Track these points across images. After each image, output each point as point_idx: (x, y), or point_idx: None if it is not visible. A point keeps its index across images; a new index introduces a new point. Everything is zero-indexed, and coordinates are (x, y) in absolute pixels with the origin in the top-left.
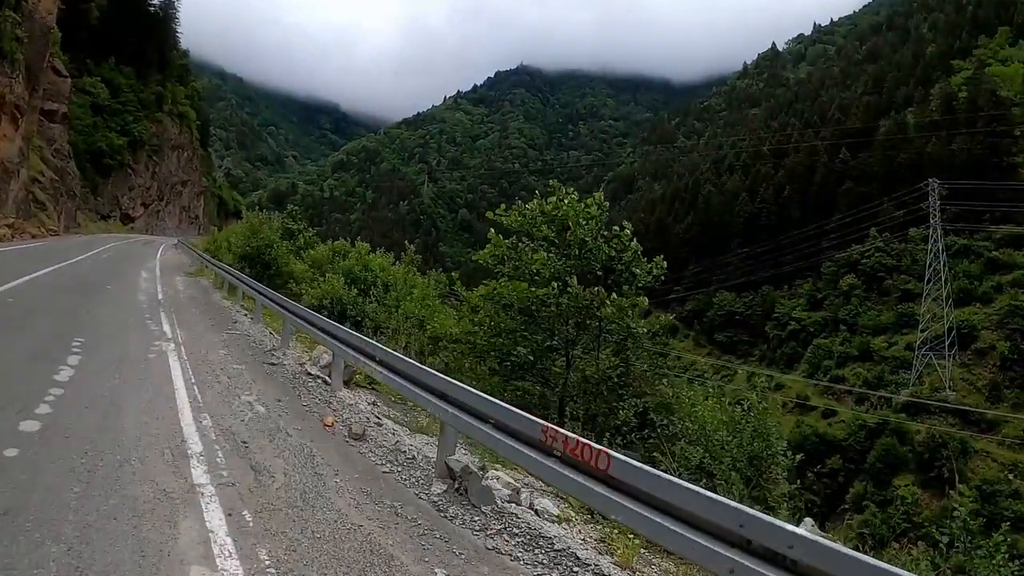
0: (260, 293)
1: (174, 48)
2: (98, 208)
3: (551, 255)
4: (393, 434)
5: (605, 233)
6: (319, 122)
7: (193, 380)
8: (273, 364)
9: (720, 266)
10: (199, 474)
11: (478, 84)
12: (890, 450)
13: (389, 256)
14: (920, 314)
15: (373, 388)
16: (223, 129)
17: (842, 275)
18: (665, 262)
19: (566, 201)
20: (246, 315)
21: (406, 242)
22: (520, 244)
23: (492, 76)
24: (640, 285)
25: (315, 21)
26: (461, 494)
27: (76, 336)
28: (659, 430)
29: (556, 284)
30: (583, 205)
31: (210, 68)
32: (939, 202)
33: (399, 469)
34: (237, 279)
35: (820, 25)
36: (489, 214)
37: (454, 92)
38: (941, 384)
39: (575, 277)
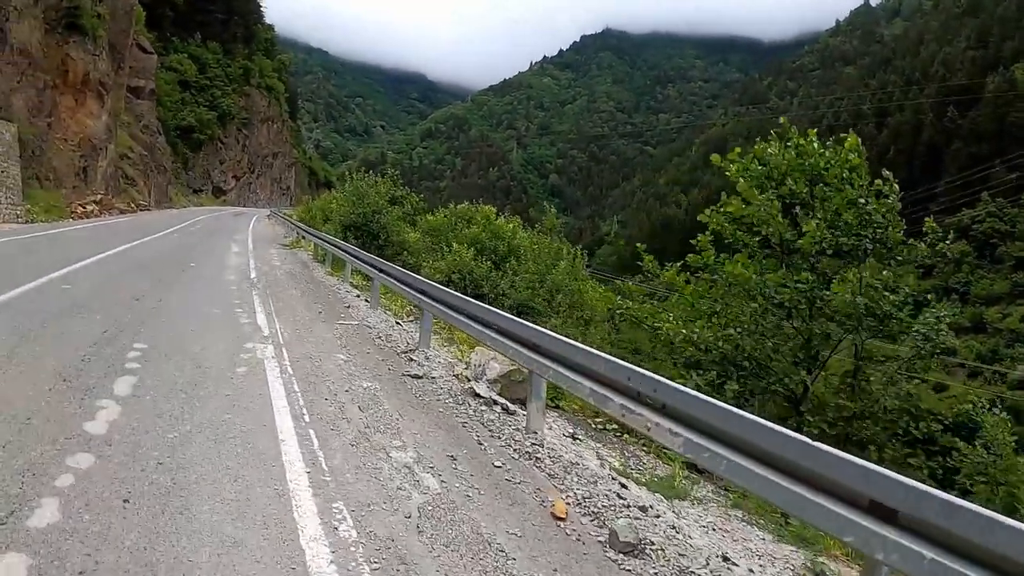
0: (380, 271)
1: (258, 22)
2: (190, 182)
3: (820, 223)
4: (677, 531)
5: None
6: (406, 92)
7: (306, 418)
8: (417, 378)
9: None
10: None
11: (564, 49)
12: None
13: (516, 220)
14: None
15: (557, 407)
16: (311, 102)
17: (953, 241)
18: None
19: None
20: (359, 296)
21: (545, 204)
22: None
23: (577, 40)
24: (919, 261)
25: None
26: None
27: (136, 340)
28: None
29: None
30: (835, 151)
31: (296, 44)
32: None
33: None
34: (346, 252)
35: None
36: (715, 158)
37: (540, 58)
38: None
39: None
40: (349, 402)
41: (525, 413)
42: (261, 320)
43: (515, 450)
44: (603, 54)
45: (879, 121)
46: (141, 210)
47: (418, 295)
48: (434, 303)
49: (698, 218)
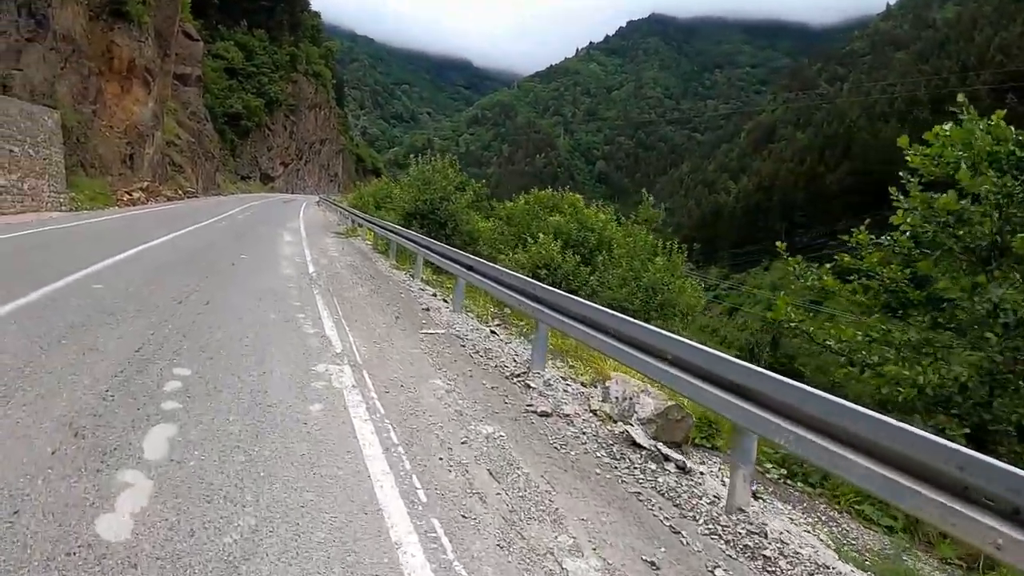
0: (469, 268)
1: (304, 9)
2: (237, 169)
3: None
4: None
5: None
6: (452, 78)
7: (422, 497)
8: (545, 415)
9: (878, 221)
10: None
11: (610, 35)
12: None
13: (608, 210)
14: None
15: (714, 447)
16: (357, 89)
17: None
18: None
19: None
20: (435, 295)
21: (643, 191)
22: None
23: (624, 26)
24: None
25: None
26: None
27: (176, 361)
28: None
29: None
30: None
31: (341, 32)
32: None
33: None
34: (418, 244)
35: None
36: (903, 140)
37: (586, 44)
38: None
39: None
40: (473, 463)
41: (704, 472)
42: (329, 329)
43: (728, 542)
44: (650, 40)
45: (935, 108)
46: (188, 197)
47: (533, 304)
48: (555, 315)
49: (896, 213)
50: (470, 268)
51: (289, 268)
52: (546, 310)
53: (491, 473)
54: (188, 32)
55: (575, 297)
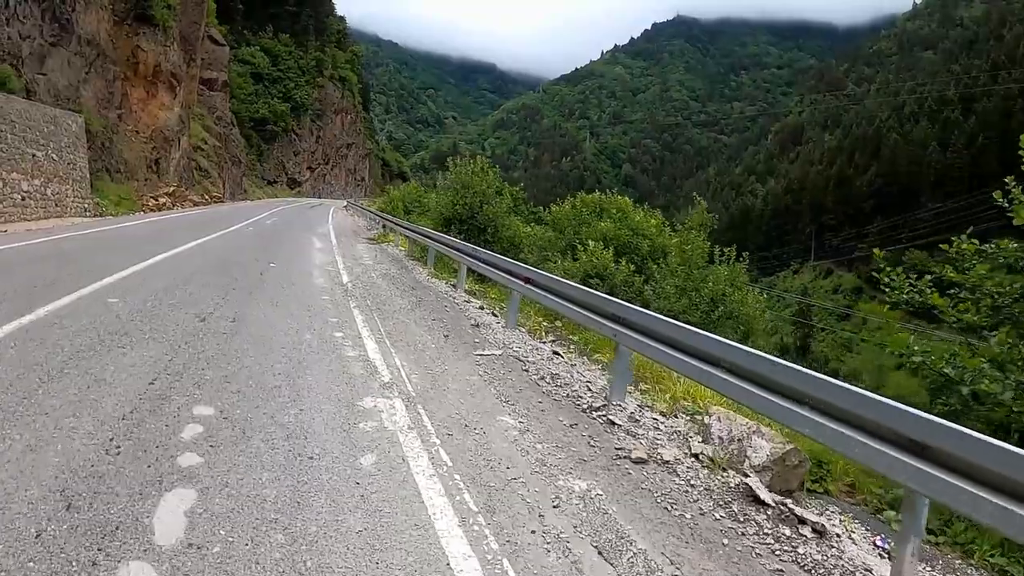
0: (527, 281)
1: (330, 14)
2: (264, 174)
3: None
4: None
5: None
6: (477, 82)
7: None
8: (640, 462)
9: (910, 222)
10: None
11: (635, 37)
12: None
13: (657, 215)
14: None
15: (825, 491)
16: (382, 94)
17: None
18: None
19: None
20: (482, 308)
21: (694, 195)
22: None
23: (649, 28)
24: None
25: None
26: None
27: (197, 398)
28: None
29: None
30: None
31: (366, 36)
32: None
33: None
34: (461, 252)
35: None
36: None
37: (611, 46)
38: None
39: None
40: (574, 535)
41: (839, 533)
42: (372, 351)
43: None
44: (675, 42)
45: (965, 107)
46: (215, 202)
47: (612, 325)
48: (642, 338)
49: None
50: (528, 281)
51: (321, 278)
52: (629, 332)
53: (600, 551)
54: (214, 37)
55: (667, 319)
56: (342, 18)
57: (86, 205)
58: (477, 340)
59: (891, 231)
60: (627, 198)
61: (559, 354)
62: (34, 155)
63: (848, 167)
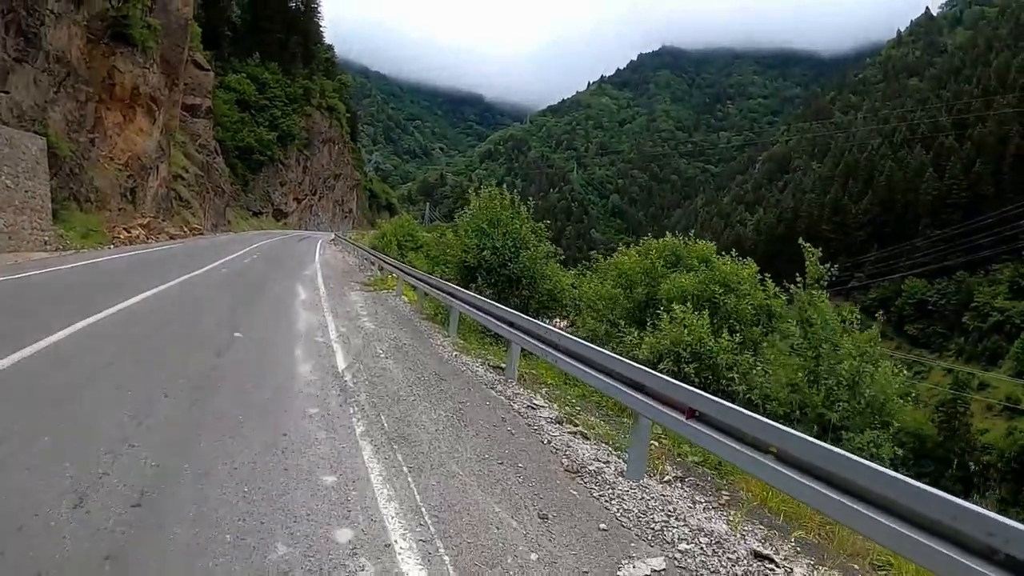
0: (701, 420)
1: (318, 42)
2: (249, 204)
3: None
4: None
5: None
6: (464, 114)
7: None
8: None
9: (907, 250)
10: None
11: (621, 68)
12: None
13: (751, 264)
14: None
15: None
16: (370, 125)
17: None
18: None
19: None
20: (561, 421)
21: (800, 240)
22: None
23: (634, 59)
24: None
25: (454, 15)
26: None
27: None
28: None
29: None
30: None
31: (353, 67)
32: None
33: None
34: (512, 327)
35: None
36: None
37: (597, 77)
38: None
39: None
40: None
41: None
42: (397, 536)
43: None
44: (660, 72)
45: (959, 133)
46: (194, 234)
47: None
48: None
49: None
50: (695, 415)
51: (307, 363)
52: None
53: None
54: (198, 62)
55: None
56: (330, 47)
57: (46, 238)
58: (603, 523)
59: (889, 259)
60: (710, 243)
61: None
62: None
63: (842, 196)
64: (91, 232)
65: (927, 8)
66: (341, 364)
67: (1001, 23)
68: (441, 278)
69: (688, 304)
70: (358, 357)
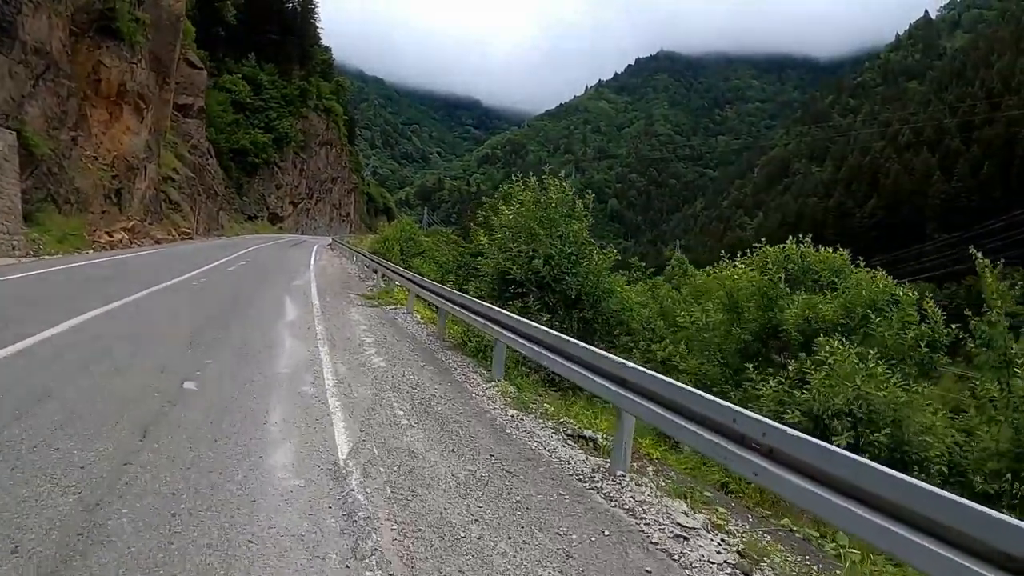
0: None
1: (315, 43)
2: (243, 208)
3: None
4: None
5: None
6: (461, 118)
7: None
8: None
9: (915, 255)
10: None
11: (619, 72)
12: None
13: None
14: None
15: None
16: (367, 129)
17: None
18: None
19: None
20: (699, 528)
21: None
22: None
23: (632, 63)
24: None
25: (451, 19)
26: None
27: None
28: None
29: None
30: None
31: (350, 71)
32: None
33: None
34: (627, 390)
35: None
36: None
37: (595, 81)
38: None
39: None
40: None
41: None
42: None
43: None
44: (659, 76)
45: (965, 136)
46: (183, 238)
47: None
48: None
49: None
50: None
51: (286, 439)
52: None
53: None
54: (191, 60)
55: None
56: (328, 48)
57: (14, 242)
58: None
59: (896, 263)
60: (843, 253)
61: None
62: None
63: (847, 199)
64: (68, 236)
65: (926, 11)
66: (343, 446)
67: (1001, 26)
68: (471, 294)
69: (836, 338)
70: (368, 427)
